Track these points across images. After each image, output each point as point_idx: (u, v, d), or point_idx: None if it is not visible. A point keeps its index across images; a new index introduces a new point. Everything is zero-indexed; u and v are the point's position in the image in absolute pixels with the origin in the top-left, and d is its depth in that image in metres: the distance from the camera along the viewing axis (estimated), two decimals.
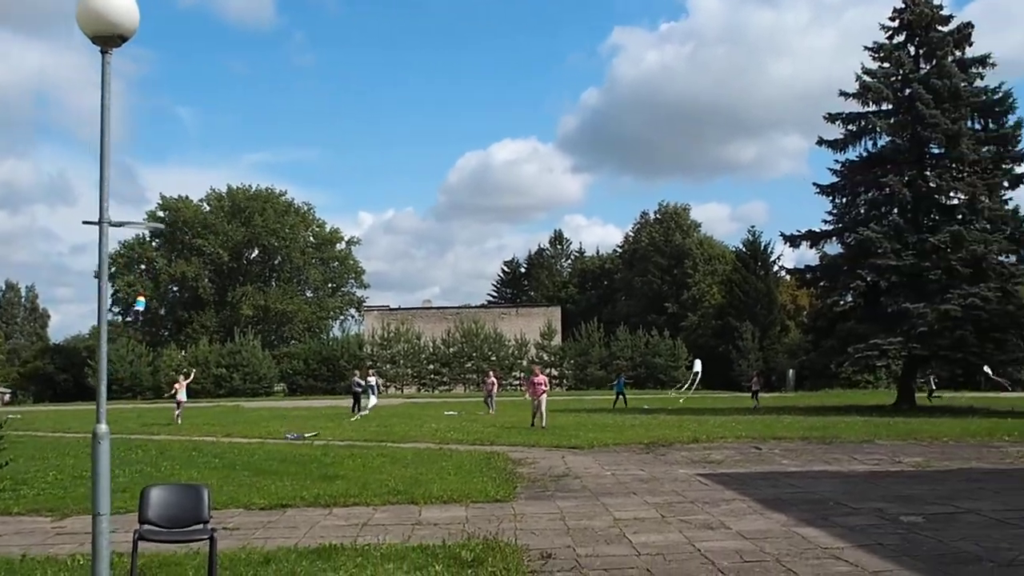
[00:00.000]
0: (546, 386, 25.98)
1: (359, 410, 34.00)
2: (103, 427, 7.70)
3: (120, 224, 8.96)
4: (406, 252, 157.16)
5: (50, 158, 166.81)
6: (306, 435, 24.03)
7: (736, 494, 12.50)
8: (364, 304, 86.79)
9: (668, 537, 9.53)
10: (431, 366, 66.10)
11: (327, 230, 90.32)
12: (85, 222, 9.24)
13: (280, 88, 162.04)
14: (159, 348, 71.45)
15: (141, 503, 7.94)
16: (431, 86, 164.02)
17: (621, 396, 39.95)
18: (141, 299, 63.69)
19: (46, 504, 12.70)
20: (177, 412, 32.10)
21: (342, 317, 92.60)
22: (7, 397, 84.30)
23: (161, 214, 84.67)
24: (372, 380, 37.15)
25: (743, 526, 10.08)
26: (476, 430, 24.37)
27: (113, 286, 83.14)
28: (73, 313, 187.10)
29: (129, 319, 76.72)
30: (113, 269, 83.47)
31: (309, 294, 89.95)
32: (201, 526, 7.87)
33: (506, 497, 12.41)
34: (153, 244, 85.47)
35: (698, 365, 39.69)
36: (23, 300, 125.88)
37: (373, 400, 35.34)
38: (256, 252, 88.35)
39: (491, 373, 39.18)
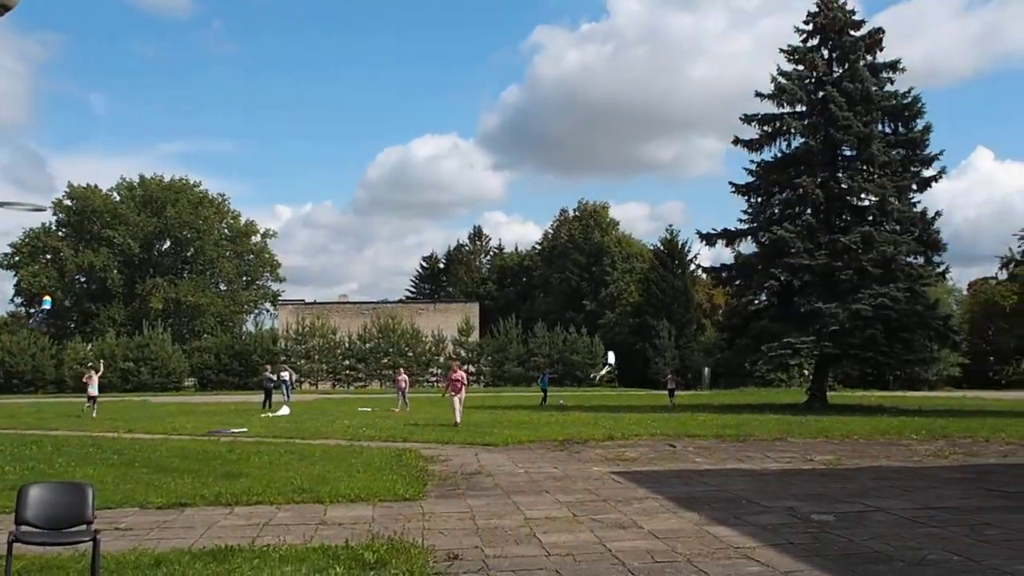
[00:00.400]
0: (463, 382, 25.33)
1: (270, 406, 33.32)
2: None
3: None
4: (325, 247, 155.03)
5: None
6: (234, 430, 23.53)
7: (649, 492, 12.37)
8: (279, 298, 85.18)
9: (579, 537, 9.31)
10: (346, 362, 65.19)
11: (242, 222, 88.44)
12: None
13: (197, 77, 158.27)
14: (64, 341, 68.95)
15: (19, 503, 7.43)
16: (352, 79, 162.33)
17: (545, 393, 39.84)
18: (48, 299, 61.66)
19: None
20: (89, 406, 32.00)
21: (256, 311, 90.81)
22: None
23: (68, 203, 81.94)
24: (285, 375, 36.82)
25: (655, 525, 9.92)
26: (389, 427, 23.96)
27: (16, 275, 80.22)
28: None
29: (33, 321, 73.82)
30: (17, 259, 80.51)
31: (222, 287, 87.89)
32: (84, 527, 7.39)
33: (415, 496, 12.08)
34: (59, 233, 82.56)
35: (611, 357, 39.80)
36: None
37: (287, 397, 34.89)
38: (168, 244, 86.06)
39: (401, 370, 39.01)
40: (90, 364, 42.25)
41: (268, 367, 38.63)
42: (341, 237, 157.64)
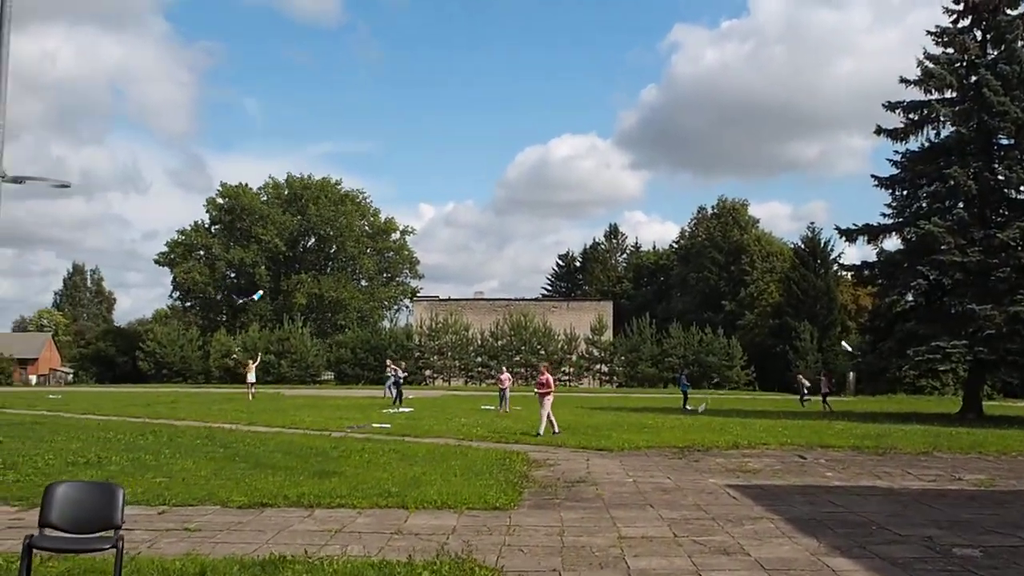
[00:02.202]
0: (551, 387, 21.95)
1: (400, 401, 33.29)
2: None
3: (18, 179, 7.98)
4: (465, 245, 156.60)
5: (123, 146, 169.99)
6: (374, 424, 23.57)
7: (765, 511, 10.95)
8: (417, 295, 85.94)
9: (672, 563, 8.06)
10: (478, 359, 64.94)
11: (382, 220, 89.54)
12: None
13: (345, 81, 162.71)
14: (211, 333, 71.41)
15: (44, 502, 6.79)
16: (493, 82, 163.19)
17: (685, 396, 37.31)
18: (260, 292, 65.19)
19: (19, 492, 11.77)
20: (251, 392, 38.13)
21: (396, 307, 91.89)
22: (70, 377, 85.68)
23: (221, 201, 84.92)
24: (391, 371, 37.20)
25: (764, 552, 8.55)
26: (504, 427, 23.03)
27: (172, 272, 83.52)
28: (141, 298, 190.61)
29: (245, 301, 76.97)
30: (172, 256, 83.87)
31: (363, 283, 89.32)
32: (112, 532, 6.69)
33: (507, 505, 11.04)
34: (211, 231, 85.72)
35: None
36: (88, 283, 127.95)
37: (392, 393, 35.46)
38: (312, 240, 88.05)
39: (504, 370, 37.47)
40: (247, 355, 47.75)
41: (389, 362, 39.39)
42: (481, 235, 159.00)
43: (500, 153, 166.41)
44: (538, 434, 20.45)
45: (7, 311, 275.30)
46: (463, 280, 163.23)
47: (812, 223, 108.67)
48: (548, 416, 20.96)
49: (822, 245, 67.26)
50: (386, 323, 78.01)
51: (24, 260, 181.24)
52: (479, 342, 65.36)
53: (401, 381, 35.31)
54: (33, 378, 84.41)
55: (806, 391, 39.04)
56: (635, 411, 32.26)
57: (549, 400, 21.35)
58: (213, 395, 43.95)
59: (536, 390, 22.20)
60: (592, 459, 16.66)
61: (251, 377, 39.09)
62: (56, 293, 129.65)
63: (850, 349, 48.23)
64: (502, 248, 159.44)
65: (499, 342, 64.73)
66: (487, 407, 33.67)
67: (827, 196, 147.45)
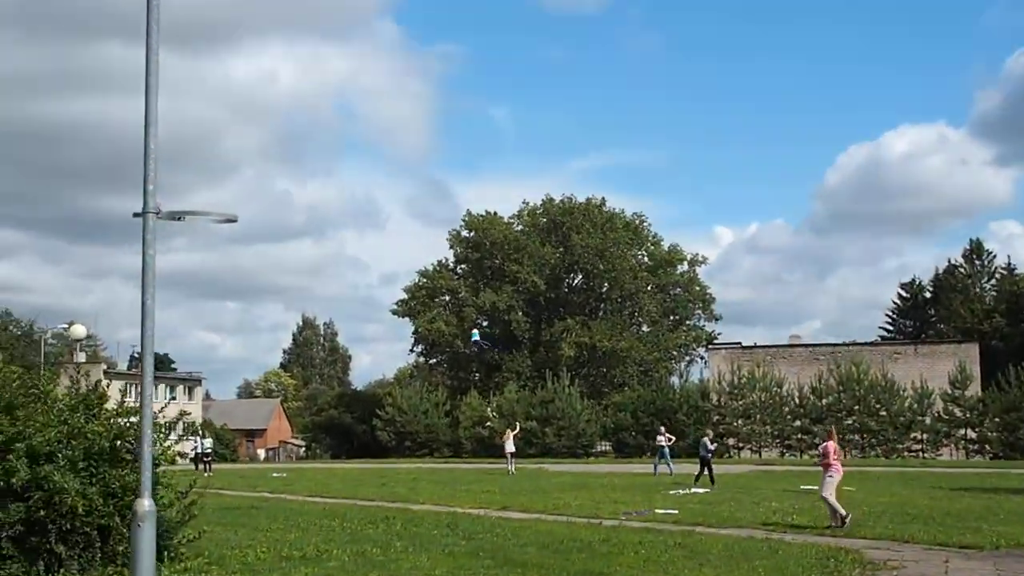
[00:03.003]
0: (836, 457, 20.71)
1: (699, 479, 33.56)
2: (146, 503, 6.87)
3: (176, 216, 8.26)
4: (776, 276, 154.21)
5: (355, 176, 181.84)
6: (658, 510, 23.60)
7: None
8: (714, 341, 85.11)
9: None
10: (796, 422, 62.92)
11: (665, 248, 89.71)
12: (135, 214, 8.61)
13: (613, 80, 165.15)
14: (461, 396, 74.00)
15: None
16: (800, 64, 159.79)
17: None
18: (475, 332, 67.95)
19: None
20: (511, 466, 42.75)
21: (687, 358, 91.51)
22: (301, 450, 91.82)
23: (466, 234, 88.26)
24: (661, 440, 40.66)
25: None
26: (825, 515, 21.83)
27: (413, 323, 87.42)
28: (382, 354, 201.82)
29: (472, 347, 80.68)
30: (412, 303, 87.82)
31: (644, 329, 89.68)
32: None
33: None
34: (457, 271, 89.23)
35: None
36: (321, 339, 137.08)
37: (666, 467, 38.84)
38: (579, 278, 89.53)
39: (832, 436, 36.34)
40: (504, 422, 53.67)
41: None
42: (796, 263, 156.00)
43: (816, 156, 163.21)
44: (835, 525, 19.63)
45: (231, 374, 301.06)
46: (773, 321, 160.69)
47: None
48: (830, 499, 20.06)
49: None
50: (675, 379, 77.82)
51: (250, 315, 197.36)
52: (796, 401, 63.45)
53: (708, 452, 35.13)
54: (261, 452, 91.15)
55: None
56: (1017, 493, 29.92)
57: (832, 478, 20.40)
58: (461, 472, 45.46)
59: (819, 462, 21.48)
60: (953, 561, 15.39)
61: (510, 446, 43.84)
62: (285, 351, 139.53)
63: None
64: (824, 278, 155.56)
65: (823, 400, 62.52)
66: (808, 487, 32.35)
67: None
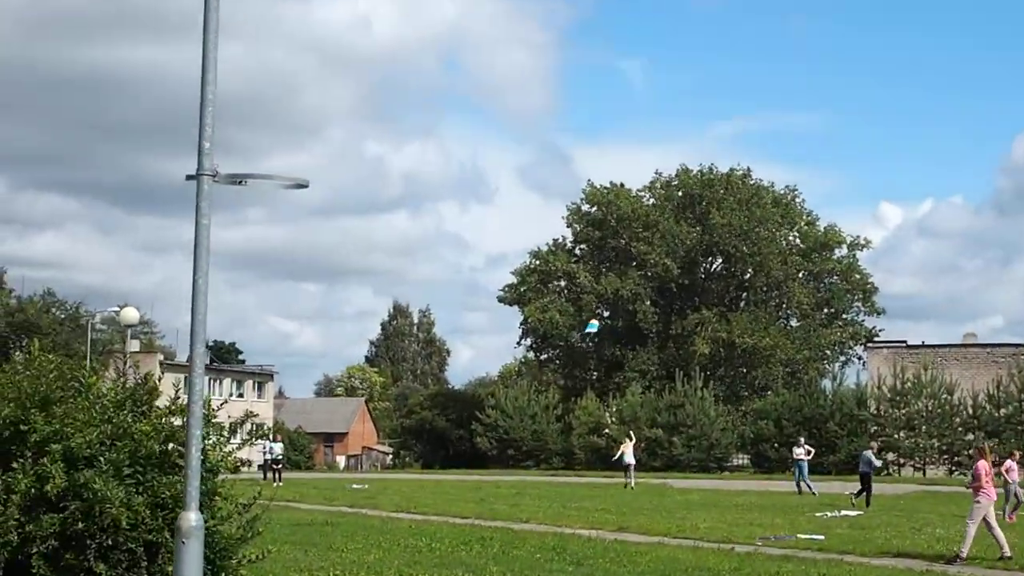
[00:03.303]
0: (988, 480, 20.36)
1: (868, 500, 33.64)
2: (192, 517, 6.86)
3: (236, 180, 8.13)
4: (951, 263, 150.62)
5: (459, 140, 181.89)
6: (782, 536, 23.48)
7: None
8: (874, 339, 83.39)
9: None
10: (968, 436, 61.44)
11: (820, 229, 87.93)
12: (188, 177, 8.55)
13: (766, 29, 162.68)
14: (576, 398, 73.73)
15: None
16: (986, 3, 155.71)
17: None
18: (594, 322, 67.76)
19: None
20: (631, 480, 44.04)
21: (842, 359, 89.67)
22: (388, 459, 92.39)
23: (587, 209, 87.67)
24: (801, 452, 41.22)
25: None
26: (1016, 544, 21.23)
27: (522, 311, 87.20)
28: (485, 347, 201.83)
29: (588, 342, 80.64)
30: (523, 289, 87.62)
31: (793, 323, 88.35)
32: None
33: None
34: (575, 252, 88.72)
35: None
36: (415, 329, 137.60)
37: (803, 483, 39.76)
38: (718, 263, 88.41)
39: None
40: (623, 430, 55.34)
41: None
42: (975, 247, 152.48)
43: (1001, 121, 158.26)
44: (1005, 556, 19.30)
45: (310, 369, 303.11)
46: (946, 316, 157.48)
47: None
48: (972, 530, 19.78)
49: None
50: (827, 382, 76.26)
51: (333, 299, 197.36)
52: (969, 411, 62.00)
53: (872, 468, 34.88)
54: (341, 459, 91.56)
55: None
56: None
57: (979, 504, 20.01)
58: (572, 487, 45.35)
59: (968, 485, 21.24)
60: None
61: (629, 457, 45.10)
62: (372, 343, 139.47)
63: None
64: (1007, 265, 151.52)
65: (1001, 411, 61.05)
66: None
67: None
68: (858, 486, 34.74)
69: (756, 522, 26.84)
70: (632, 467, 44.94)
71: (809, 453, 41.91)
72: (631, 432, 51.74)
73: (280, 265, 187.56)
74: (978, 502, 19.93)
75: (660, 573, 16.80)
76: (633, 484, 43.32)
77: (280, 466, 49.14)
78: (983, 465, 20.58)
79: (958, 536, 23.04)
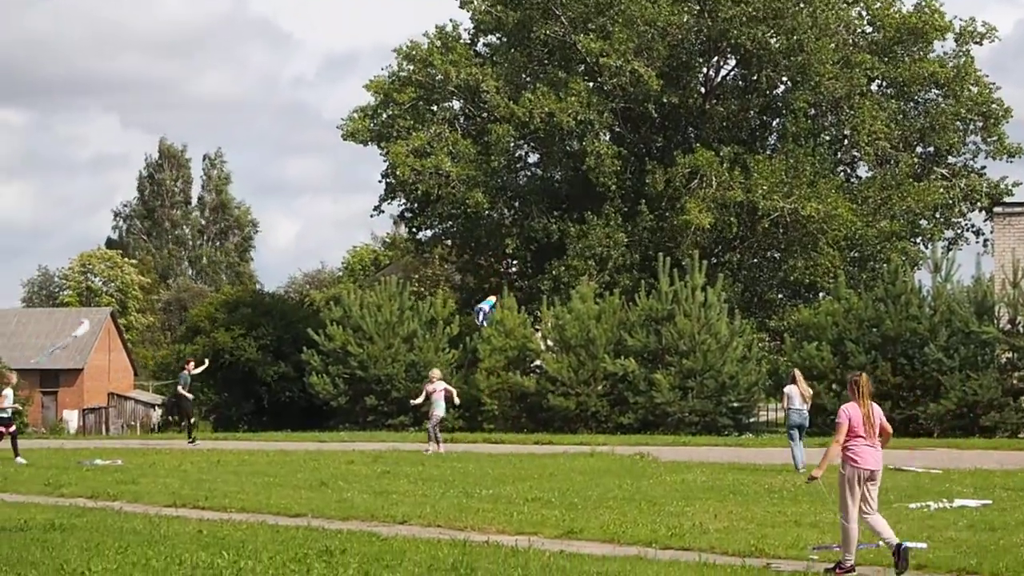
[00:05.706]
0: None
1: None
2: None
3: None
4: None
5: None
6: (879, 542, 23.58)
7: None
8: (1005, 199, 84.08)
9: None
10: None
11: (905, 6, 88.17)
12: None
13: None
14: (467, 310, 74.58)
15: None
16: None
17: None
18: (491, 298, 68.57)
19: None
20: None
21: (948, 232, 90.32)
22: (155, 415, 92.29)
23: None
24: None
25: None
26: None
27: (387, 156, 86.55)
28: (322, 219, 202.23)
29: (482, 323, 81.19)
30: (387, 115, 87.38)
31: (861, 173, 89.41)
32: None
33: None
34: (478, 50, 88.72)
35: None
36: (197, 188, 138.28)
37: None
38: (731, 67, 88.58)
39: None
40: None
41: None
42: None
43: None
44: None
45: (13, 259, 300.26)
46: None
47: None
48: None
49: None
50: (920, 275, 76.93)
51: (49, 137, 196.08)
52: None
53: None
54: (72, 417, 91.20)
55: None
56: None
57: None
58: (480, 459, 45.39)
59: None
60: None
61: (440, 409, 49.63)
62: (120, 215, 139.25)
63: None
64: None
65: None
66: None
67: None
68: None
69: (804, 519, 26.82)
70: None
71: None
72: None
73: None
74: None
75: None
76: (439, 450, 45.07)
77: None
78: None
79: None
